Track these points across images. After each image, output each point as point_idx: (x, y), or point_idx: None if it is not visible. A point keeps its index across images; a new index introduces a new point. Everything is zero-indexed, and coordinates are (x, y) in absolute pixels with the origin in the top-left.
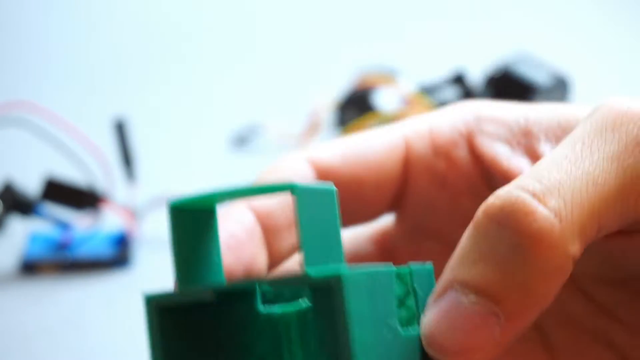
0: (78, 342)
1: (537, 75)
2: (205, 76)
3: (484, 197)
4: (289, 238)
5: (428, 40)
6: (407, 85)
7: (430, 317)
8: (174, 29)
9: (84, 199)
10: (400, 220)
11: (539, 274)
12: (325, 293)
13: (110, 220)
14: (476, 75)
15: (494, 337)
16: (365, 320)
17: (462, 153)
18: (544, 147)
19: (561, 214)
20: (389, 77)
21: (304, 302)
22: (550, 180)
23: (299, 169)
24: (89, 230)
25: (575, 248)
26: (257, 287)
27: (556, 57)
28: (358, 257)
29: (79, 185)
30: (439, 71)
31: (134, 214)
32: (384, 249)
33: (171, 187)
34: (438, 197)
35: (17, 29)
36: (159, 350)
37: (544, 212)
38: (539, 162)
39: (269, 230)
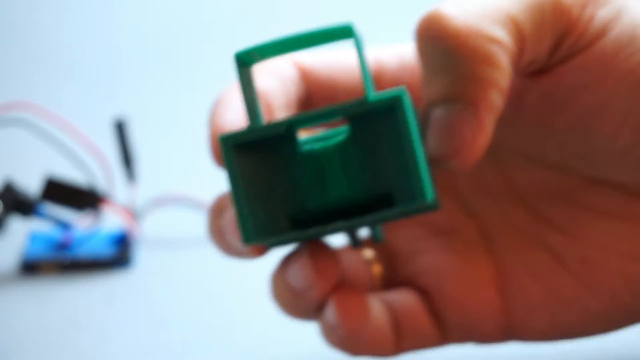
0: (78, 341)
1: None
2: (206, 76)
3: None
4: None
5: None
6: None
7: (428, 141)
8: (174, 29)
9: (84, 199)
10: None
11: (474, 62)
12: (382, 116)
13: (110, 220)
14: None
15: (474, 125)
16: (416, 134)
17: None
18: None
19: (473, 11)
20: None
21: (340, 137)
22: None
23: (284, 68)
24: (89, 230)
25: (498, 32)
26: (327, 115)
27: None
28: None
29: (79, 185)
30: None
31: (134, 214)
32: None
33: (171, 187)
34: None
35: (17, 29)
36: (238, 176)
37: (457, 11)
38: None
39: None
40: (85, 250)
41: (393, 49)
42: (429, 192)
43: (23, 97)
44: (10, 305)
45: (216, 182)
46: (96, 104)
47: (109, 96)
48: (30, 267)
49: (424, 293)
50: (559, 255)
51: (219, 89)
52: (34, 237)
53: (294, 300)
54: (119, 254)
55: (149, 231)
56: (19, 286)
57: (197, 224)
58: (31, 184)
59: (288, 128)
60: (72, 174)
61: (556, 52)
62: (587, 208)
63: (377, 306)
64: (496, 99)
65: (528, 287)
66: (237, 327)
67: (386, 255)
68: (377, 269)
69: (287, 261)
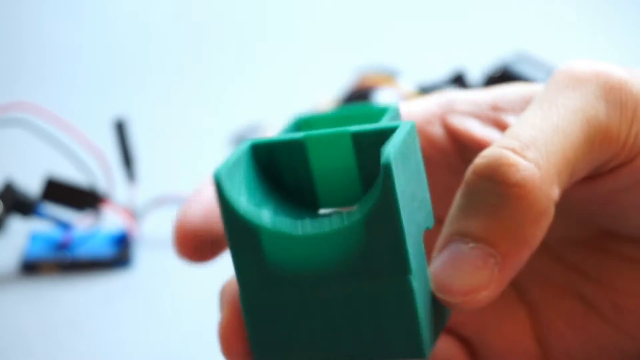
0: (78, 341)
1: (537, 75)
2: (206, 76)
3: (459, 170)
4: None
5: (428, 40)
6: (407, 85)
7: (436, 266)
8: (174, 29)
9: (84, 199)
10: None
11: (527, 216)
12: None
13: (110, 221)
14: (476, 75)
15: (494, 275)
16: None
17: (436, 130)
18: (510, 118)
19: (539, 163)
20: (388, 77)
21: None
22: (526, 136)
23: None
24: (89, 230)
25: (555, 191)
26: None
27: (556, 57)
28: None
29: (80, 185)
30: (438, 71)
31: (134, 214)
32: None
33: (171, 187)
34: None
35: (17, 30)
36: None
37: (525, 163)
38: (512, 125)
39: None
40: (85, 250)
41: (422, 104)
42: (426, 344)
43: (23, 98)
44: (11, 304)
45: None
46: (96, 105)
47: (109, 97)
48: (31, 267)
49: (465, 341)
50: (592, 302)
51: (218, 90)
52: (34, 237)
53: None
54: (118, 254)
55: (149, 231)
56: (19, 286)
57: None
58: (31, 184)
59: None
60: (72, 174)
61: (602, 167)
62: (613, 255)
63: None
64: (526, 257)
65: (565, 335)
66: None
67: None
68: None
69: None
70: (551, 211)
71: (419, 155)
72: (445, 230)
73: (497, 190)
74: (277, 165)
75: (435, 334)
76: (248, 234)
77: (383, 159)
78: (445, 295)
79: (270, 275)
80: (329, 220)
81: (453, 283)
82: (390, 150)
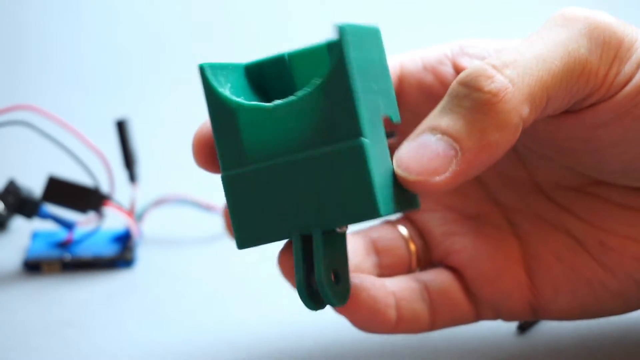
0: (80, 340)
1: None
2: None
3: None
4: None
5: (427, 41)
6: None
7: (403, 147)
8: (175, 29)
9: (86, 199)
10: None
11: (494, 123)
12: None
13: (112, 220)
14: None
15: (451, 166)
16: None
17: (447, 70)
18: None
19: (514, 80)
20: None
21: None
22: (508, 57)
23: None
24: (91, 229)
25: (525, 110)
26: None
27: None
28: None
29: (82, 185)
30: None
31: (135, 214)
32: None
33: (172, 187)
34: (426, 107)
35: (19, 31)
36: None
37: (500, 77)
38: (501, 49)
39: None
40: (87, 250)
41: (416, 54)
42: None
43: (26, 99)
44: (13, 303)
45: (216, 183)
46: (97, 105)
47: (110, 97)
48: (33, 266)
49: (457, 272)
50: (579, 239)
51: None
52: (36, 236)
53: None
54: (121, 253)
55: (150, 231)
56: (21, 285)
57: (197, 224)
58: (34, 185)
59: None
60: (74, 175)
61: (582, 102)
62: (602, 199)
63: (413, 287)
64: (486, 161)
65: (552, 267)
66: (237, 326)
67: (419, 235)
68: (412, 247)
69: None
70: (518, 128)
71: (383, 56)
72: (421, 124)
73: (472, 95)
74: (266, 82)
75: (398, 205)
76: (227, 114)
77: (338, 26)
78: (403, 170)
79: (245, 153)
80: (296, 94)
81: (411, 161)
82: (346, 23)
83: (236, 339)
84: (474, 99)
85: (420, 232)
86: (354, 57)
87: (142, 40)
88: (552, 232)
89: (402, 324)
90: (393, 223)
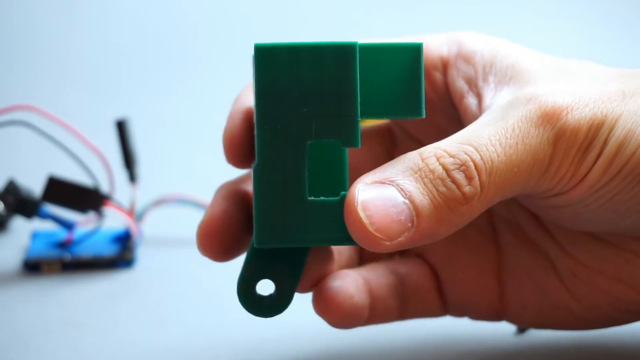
0: (80, 340)
1: None
2: (207, 77)
3: (453, 115)
4: None
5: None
6: None
7: (372, 190)
8: (175, 29)
9: (86, 199)
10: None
11: (453, 219)
12: None
13: (112, 220)
14: None
15: (403, 235)
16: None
17: (439, 77)
18: (490, 95)
19: (484, 186)
20: None
21: None
22: (487, 158)
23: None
24: (91, 229)
25: (484, 208)
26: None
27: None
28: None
29: (82, 185)
30: None
31: (135, 214)
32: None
33: (172, 187)
34: None
35: (19, 31)
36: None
37: (477, 183)
38: (482, 136)
39: None
40: (87, 250)
41: (436, 43)
42: None
43: (25, 99)
44: (13, 303)
45: (216, 183)
46: (97, 106)
47: (110, 98)
48: (33, 266)
49: (432, 268)
50: (554, 263)
51: (219, 90)
52: (36, 236)
53: None
54: (121, 254)
55: (150, 231)
56: (21, 285)
57: (197, 224)
58: (34, 185)
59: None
60: (74, 175)
61: (545, 194)
62: (583, 232)
63: (390, 282)
64: (437, 238)
65: (523, 284)
66: (237, 326)
67: None
68: None
69: None
70: (470, 219)
71: (347, 75)
72: (398, 167)
73: (448, 185)
74: None
75: (294, 234)
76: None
77: (254, 45)
78: (366, 217)
79: None
80: None
81: (376, 215)
82: (263, 44)
83: (236, 339)
84: (447, 191)
85: None
86: (264, 79)
87: (142, 40)
88: (531, 249)
89: (374, 318)
90: None
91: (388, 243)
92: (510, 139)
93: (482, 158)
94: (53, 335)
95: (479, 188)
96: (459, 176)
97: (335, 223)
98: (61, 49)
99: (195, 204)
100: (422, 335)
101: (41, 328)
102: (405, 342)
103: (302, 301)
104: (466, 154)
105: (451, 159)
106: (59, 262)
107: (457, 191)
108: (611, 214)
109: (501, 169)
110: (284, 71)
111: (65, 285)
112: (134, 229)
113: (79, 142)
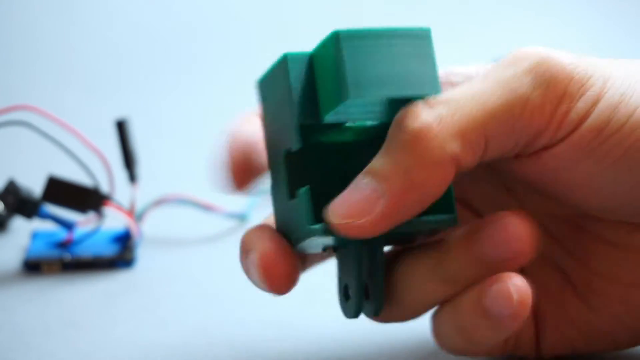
0: (80, 340)
1: None
2: (206, 76)
3: None
4: None
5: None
6: None
7: (338, 196)
8: (175, 29)
9: (86, 199)
10: None
11: (418, 163)
12: None
13: (112, 220)
14: None
15: (376, 208)
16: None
17: None
18: None
19: (442, 118)
20: None
21: None
22: (445, 96)
23: None
24: (91, 229)
25: (454, 147)
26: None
27: None
28: None
29: (82, 185)
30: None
31: (135, 214)
32: None
33: (172, 187)
34: None
35: (18, 31)
36: None
37: (425, 115)
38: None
39: None
40: (87, 250)
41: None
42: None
43: (25, 99)
44: (13, 303)
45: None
46: (97, 105)
47: (110, 97)
48: (33, 266)
49: None
50: (569, 276)
51: (219, 90)
52: (36, 236)
53: None
54: (121, 254)
55: (150, 231)
56: (21, 285)
57: (197, 224)
58: (34, 185)
59: None
60: (74, 175)
61: (531, 145)
62: (591, 235)
63: None
64: (415, 201)
65: (540, 303)
66: (236, 326)
67: None
68: None
69: None
70: (447, 165)
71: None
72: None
73: (399, 135)
74: None
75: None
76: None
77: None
78: (330, 215)
79: None
80: None
81: (339, 206)
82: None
83: (236, 339)
84: (399, 139)
85: None
86: (264, 95)
87: (142, 40)
88: (544, 264)
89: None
90: None
91: (363, 220)
92: (480, 78)
93: (436, 98)
94: (53, 335)
95: (431, 119)
96: (406, 118)
97: (303, 217)
98: (61, 49)
99: (195, 204)
100: (422, 335)
101: (41, 328)
102: (405, 342)
103: (302, 301)
104: (418, 101)
105: (399, 112)
106: (59, 262)
107: (405, 132)
108: (612, 181)
109: (464, 99)
110: (270, 87)
111: (65, 285)
112: (134, 229)
113: (79, 142)
